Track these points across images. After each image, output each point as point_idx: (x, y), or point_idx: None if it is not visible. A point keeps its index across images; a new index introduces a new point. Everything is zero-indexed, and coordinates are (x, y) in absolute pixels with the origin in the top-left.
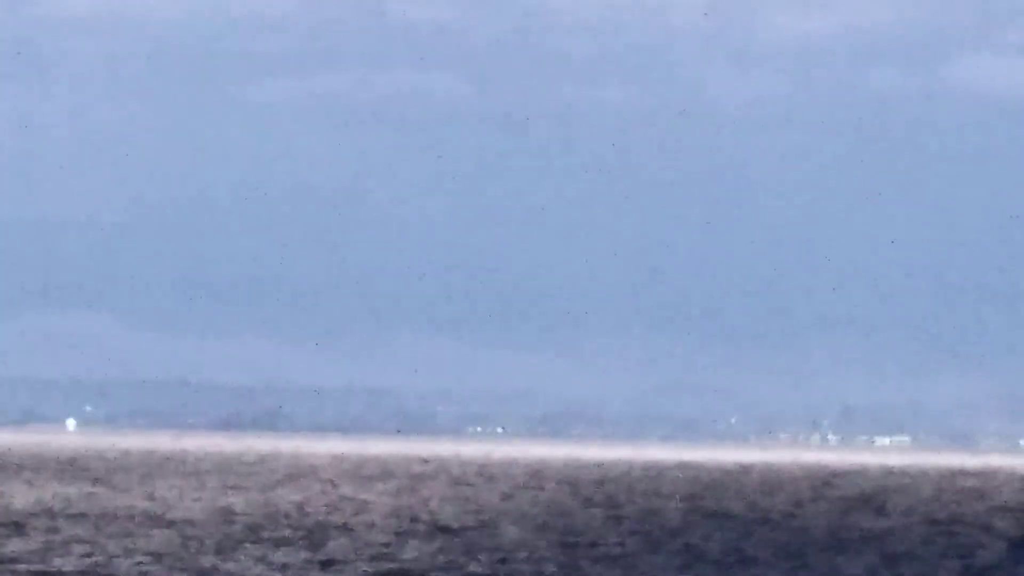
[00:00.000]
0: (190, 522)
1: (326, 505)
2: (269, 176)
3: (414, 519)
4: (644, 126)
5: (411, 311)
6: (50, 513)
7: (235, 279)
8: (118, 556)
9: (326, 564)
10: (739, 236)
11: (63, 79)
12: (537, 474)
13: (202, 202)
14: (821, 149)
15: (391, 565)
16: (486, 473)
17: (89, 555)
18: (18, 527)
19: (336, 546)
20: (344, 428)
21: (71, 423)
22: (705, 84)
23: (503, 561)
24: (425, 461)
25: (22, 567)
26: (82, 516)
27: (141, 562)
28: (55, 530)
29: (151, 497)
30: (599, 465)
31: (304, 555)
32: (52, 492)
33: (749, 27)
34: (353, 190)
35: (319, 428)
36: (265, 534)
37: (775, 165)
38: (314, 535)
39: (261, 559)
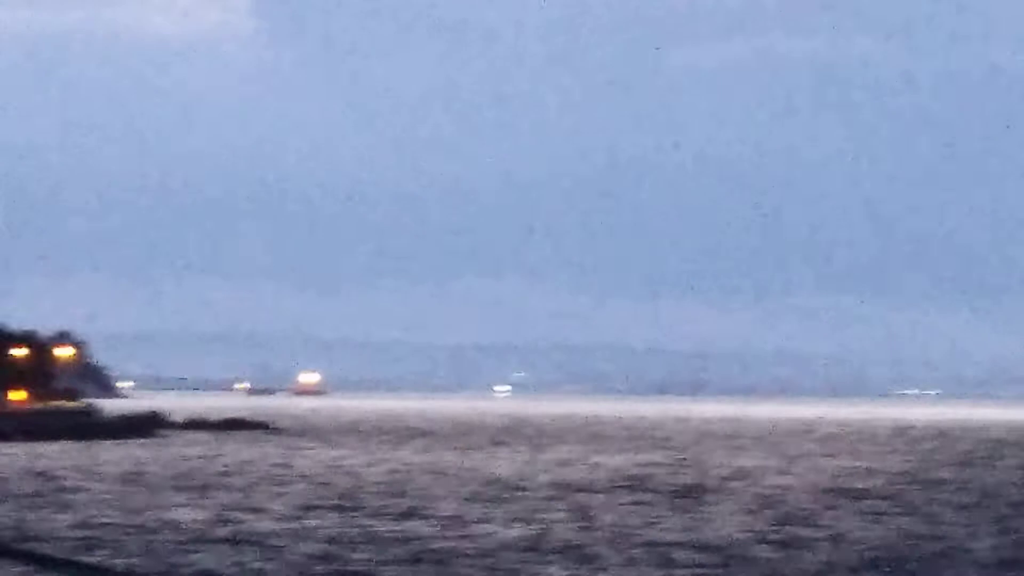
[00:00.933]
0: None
1: (720, 467)
2: (700, 139)
3: (830, 485)
4: None
5: (841, 276)
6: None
7: (668, 244)
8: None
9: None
10: None
11: (475, 43)
12: (952, 436)
13: (628, 165)
14: None
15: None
16: (909, 435)
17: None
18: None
19: (712, 507)
20: (773, 392)
21: (502, 388)
22: None
23: (921, 525)
24: (846, 424)
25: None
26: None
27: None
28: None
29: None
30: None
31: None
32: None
33: None
34: (785, 153)
35: (747, 392)
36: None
37: None
38: (686, 496)
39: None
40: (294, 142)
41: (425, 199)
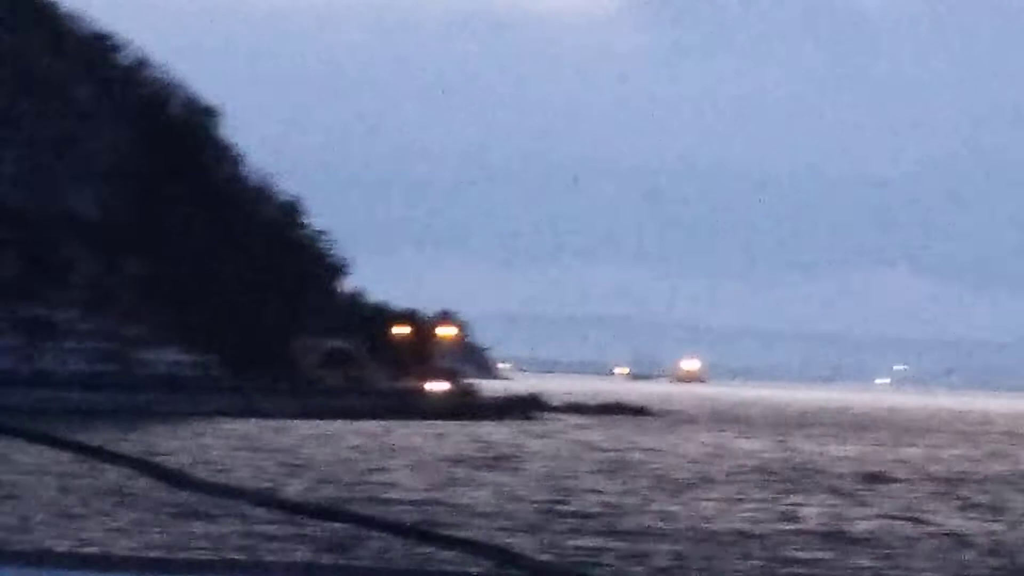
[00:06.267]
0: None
1: None
2: None
3: None
4: None
5: None
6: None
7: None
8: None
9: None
10: None
11: (870, 37)
12: None
13: (1000, 159)
14: None
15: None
16: None
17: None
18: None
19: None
20: None
21: (882, 381)
22: None
23: None
24: None
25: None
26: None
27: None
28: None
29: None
30: None
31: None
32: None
33: None
34: None
35: None
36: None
37: None
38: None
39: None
40: (671, 127)
41: (810, 188)
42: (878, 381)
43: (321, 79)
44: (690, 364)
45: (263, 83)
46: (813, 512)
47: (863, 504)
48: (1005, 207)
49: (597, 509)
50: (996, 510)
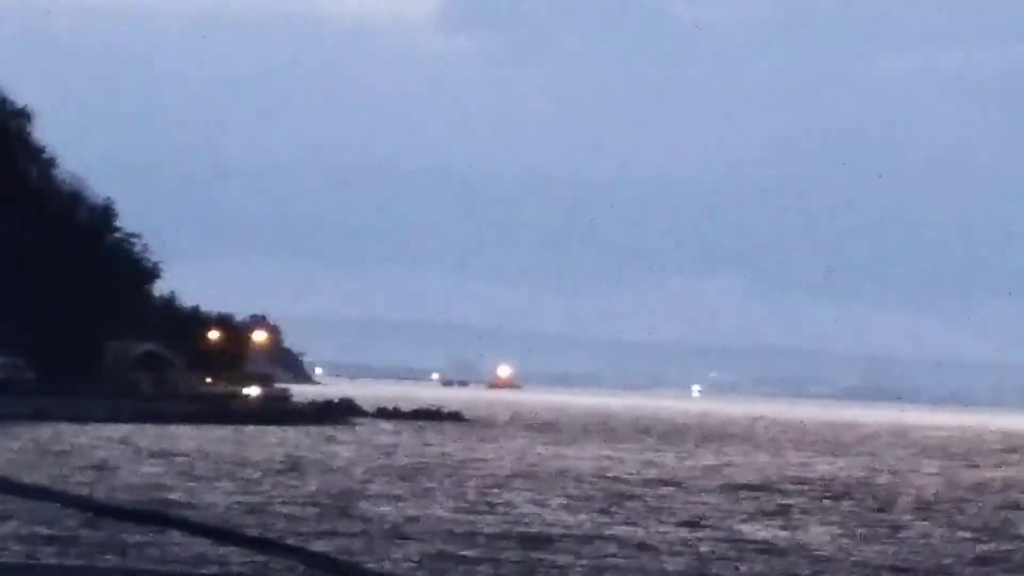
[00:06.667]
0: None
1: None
2: (895, 147)
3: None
4: None
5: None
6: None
7: (856, 247)
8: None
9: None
10: None
11: (696, 44)
12: None
13: (816, 169)
14: None
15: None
16: None
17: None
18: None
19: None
20: (974, 402)
21: (696, 389)
22: None
23: None
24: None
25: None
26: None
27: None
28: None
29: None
30: None
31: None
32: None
33: None
34: (973, 162)
35: (945, 401)
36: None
37: None
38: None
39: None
40: (487, 133)
41: (626, 196)
42: (695, 388)
43: (134, 79)
44: (504, 371)
45: (76, 84)
46: (603, 520)
47: (655, 510)
48: (819, 216)
49: (393, 513)
50: (784, 515)
